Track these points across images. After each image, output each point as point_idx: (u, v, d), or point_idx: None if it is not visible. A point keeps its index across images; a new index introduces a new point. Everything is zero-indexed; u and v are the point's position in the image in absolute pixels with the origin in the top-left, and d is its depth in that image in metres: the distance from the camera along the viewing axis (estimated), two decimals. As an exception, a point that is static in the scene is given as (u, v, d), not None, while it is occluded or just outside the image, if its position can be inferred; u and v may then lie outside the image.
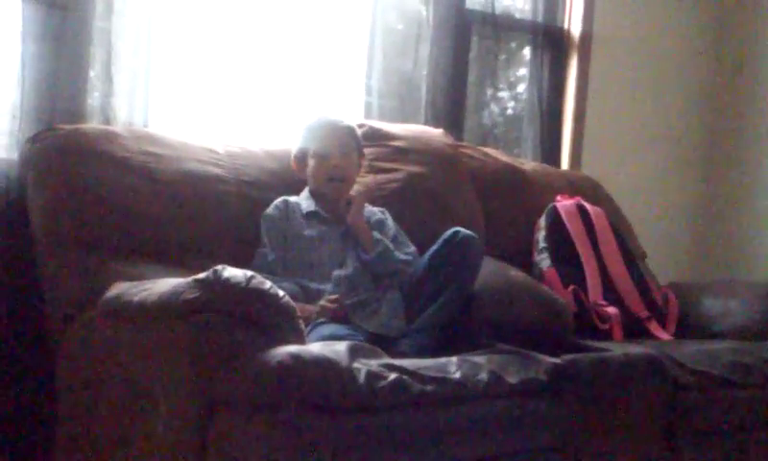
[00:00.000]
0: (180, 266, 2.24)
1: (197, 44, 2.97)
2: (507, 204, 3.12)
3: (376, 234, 2.49)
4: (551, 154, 3.68)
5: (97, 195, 2.32)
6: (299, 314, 1.86)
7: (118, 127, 2.62)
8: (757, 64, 3.94)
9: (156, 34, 2.78)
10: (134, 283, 1.97)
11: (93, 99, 2.69)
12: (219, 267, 1.75)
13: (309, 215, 2.52)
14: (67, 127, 2.47)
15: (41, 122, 2.57)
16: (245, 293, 1.73)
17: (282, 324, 1.80)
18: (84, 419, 2.05)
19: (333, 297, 2.30)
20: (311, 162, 2.58)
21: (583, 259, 2.98)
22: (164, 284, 1.83)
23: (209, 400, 1.71)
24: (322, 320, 2.23)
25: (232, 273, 1.75)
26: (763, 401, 2.42)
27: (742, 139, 3.99)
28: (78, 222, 2.28)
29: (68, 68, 2.63)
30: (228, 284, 1.73)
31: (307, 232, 2.48)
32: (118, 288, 1.98)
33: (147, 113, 2.77)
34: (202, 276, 1.75)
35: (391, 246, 2.48)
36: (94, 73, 2.69)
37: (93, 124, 2.64)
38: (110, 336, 1.98)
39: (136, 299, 1.86)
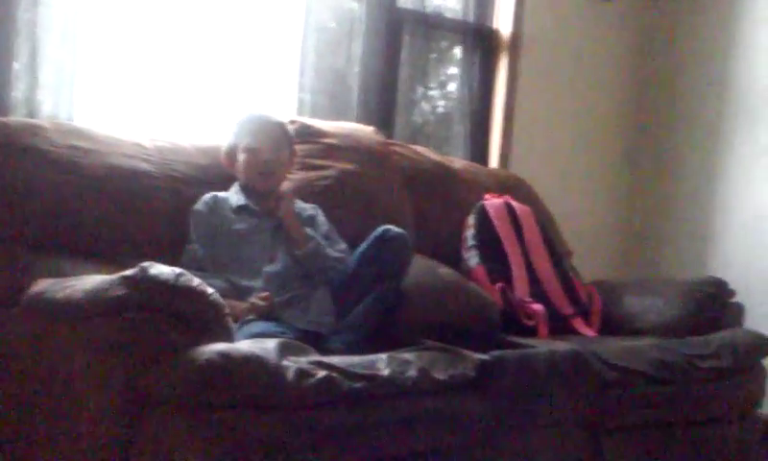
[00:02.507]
0: (107, 263, 2.20)
1: (125, 37, 2.92)
2: (436, 202, 3.13)
3: (309, 231, 2.48)
4: (480, 152, 3.71)
5: (21, 190, 2.27)
6: (228, 311, 1.85)
7: (43, 120, 2.56)
8: (682, 64, 4.03)
9: (83, 26, 2.72)
10: (59, 280, 1.93)
11: (17, 91, 2.62)
12: (146, 264, 1.73)
13: (239, 209, 2.50)
14: (-10, 119, 2.42)
15: (-37, 115, 2.50)
16: (173, 290, 1.72)
17: (211, 321, 1.78)
18: (9, 418, 2.00)
19: (263, 294, 2.29)
20: (241, 157, 2.56)
21: (510, 257, 3.01)
22: (90, 281, 1.80)
23: (136, 398, 1.69)
24: (251, 317, 2.22)
25: (160, 270, 1.73)
26: (684, 397, 2.48)
27: (666, 140, 4.07)
28: (1, 217, 2.22)
29: (-8, 60, 2.57)
30: (156, 281, 1.71)
31: (237, 227, 2.46)
32: (42, 285, 1.94)
33: (72, 107, 2.71)
34: (129, 272, 1.72)
35: (323, 243, 2.48)
36: (19, 65, 2.62)
37: (17, 117, 2.57)
38: (35, 334, 1.93)
39: (61, 295, 1.82)
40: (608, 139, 4.13)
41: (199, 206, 2.48)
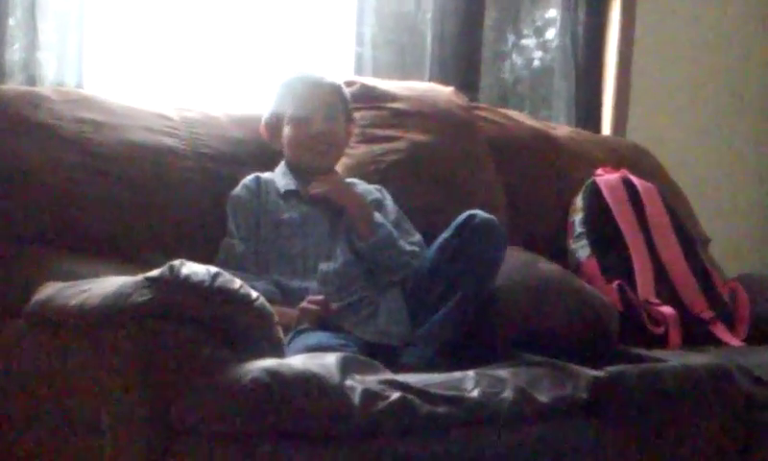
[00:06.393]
0: (127, 262, 2.24)
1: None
2: (535, 179, 3.13)
3: (378, 216, 2.50)
4: (589, 116, 3.69)
5: (20, 174, 2.32)
6: (276, 320, 1.87)
7: (45, 88, 2.63)
8: None
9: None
10: (70, 283, 1.97)
11: (13, 53, 2.69)
12: (176, 262, 1.76)
13: (288, 194, 2.53)
14: (-19, 88, 2.49)
15: (-51, 82, 2.57)
16: (209, 294, 1.74)
17: (256, 332, 1.81)
18: (11, 453, 2.05)
19: (318, 297, 2.31)
20: (287, 129, 2.59)
21: (630, 247, 2.99)
22: (108, 284, 1.83)
23: (165, 427, 1.72)
24: (305, 327, 2.24)
25: (193, 269, 1.76)
26: None
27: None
28: (-3, 208, 2.29)
29: (-19, 16, 2.64)
30: (188, 284, 1.73)
31: (286, 216, 2.48)
32: (50, 289, 1.98)
33: (81, 71, 2.77)
34: (155, 273, 1.75)
35: (394, 232, 2.49)
36: (14, 21, 2.69)
37: (14, 84, 2.64)
38: (41, 349, 1.98)
39: (73, 302, 1.86)
40: (754, 97, 4.07)
41: (238, 190, 2.52)
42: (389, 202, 2.63)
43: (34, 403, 1.98)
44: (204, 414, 1.69)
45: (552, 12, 3.79)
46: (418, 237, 2.56)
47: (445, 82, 3.27)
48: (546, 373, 2.09)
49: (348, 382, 1.78)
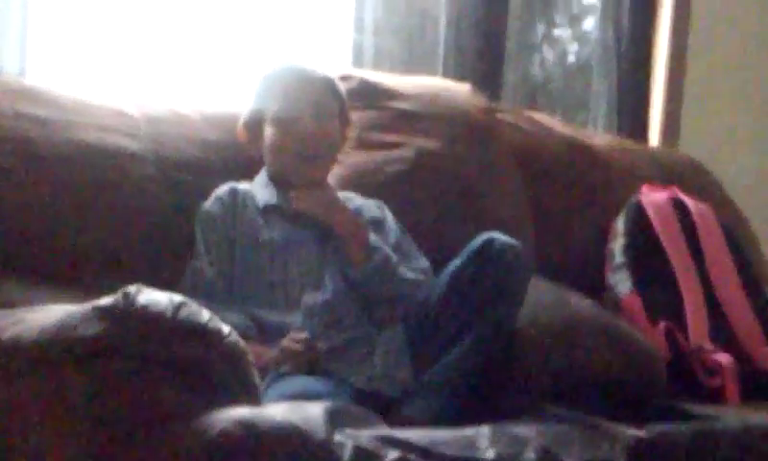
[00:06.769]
0: (73, 287, 2.25)
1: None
2: (567, 198, 3.15)
3: (374, 238, 2.50)
4: (634, 122, 3.70)
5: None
6: (252, 360, 1.87)
7: (-19, 77, 2.65)
8: None
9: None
10: (2, 312, 1.97)
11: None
12: (132, 289, 1.76)
13: (268, 210, 2.53)
14: None
15: None
16: (171, 328, 1.74)
17: (227, 374, 1.81)
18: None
19: (302, 335, 2.31)
20: (270, 131, 2.59)
21: (680, 281, 2.99)
22: (50, 314, 1.83)
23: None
24: (285, 369, 2.24)
25: (152, 298, 1.76)
26: None
27: None
28: None
29: None
30: (146, 315, 1.73)
31: (266, 236, 2.49)
32: (-20, 319, 1.99)
33: (24, 58, 2.78)
34: (106, 301, 1.75)
35: (393, 257, 2.50)
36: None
37: (-56, 73, 2.66)
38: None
39: (5, 336, 1.86)
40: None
41: (210, 204, 2.53)
42: (390, 220, 2.63)
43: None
44: (163, 472, 1.70)
45: (591, -1, 3.82)
46: (423, 263, 2.56)
47: (462, 78, 3.28)
48: (576, 431, 2.08)
49: (337, 438, 1.78)
